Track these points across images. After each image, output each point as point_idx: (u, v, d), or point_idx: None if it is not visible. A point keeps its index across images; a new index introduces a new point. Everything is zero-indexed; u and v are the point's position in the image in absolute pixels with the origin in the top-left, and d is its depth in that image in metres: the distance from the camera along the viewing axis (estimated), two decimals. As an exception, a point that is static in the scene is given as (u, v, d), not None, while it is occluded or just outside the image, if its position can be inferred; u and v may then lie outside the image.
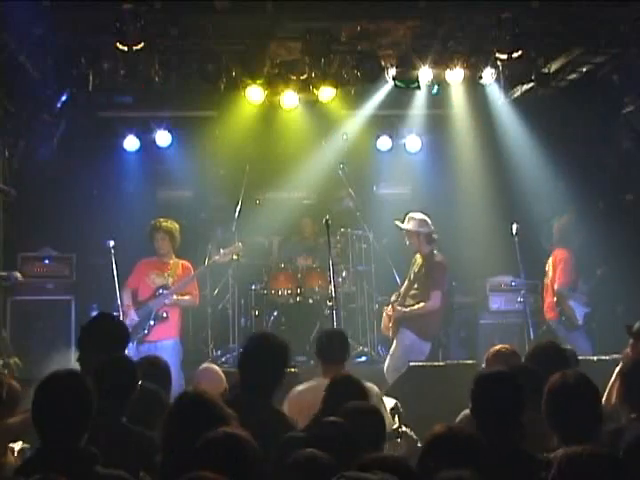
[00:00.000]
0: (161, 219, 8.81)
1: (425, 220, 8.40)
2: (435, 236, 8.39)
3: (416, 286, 8.34)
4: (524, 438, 3.76)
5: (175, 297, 8.63)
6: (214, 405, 3.61)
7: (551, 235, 9.49)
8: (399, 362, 7.98)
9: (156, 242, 8.73)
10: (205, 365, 6.28)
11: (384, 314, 8.59)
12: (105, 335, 4.95)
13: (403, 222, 8.44)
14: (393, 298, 8.56)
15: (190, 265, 8.89)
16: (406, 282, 8.53)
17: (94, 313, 9.60)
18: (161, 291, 8.61)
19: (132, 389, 4.30)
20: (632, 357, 4.21)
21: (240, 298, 10.31)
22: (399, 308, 8.34)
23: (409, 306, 8.27)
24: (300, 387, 5.45)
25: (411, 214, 8.48)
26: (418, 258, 8.44)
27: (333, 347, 5.59)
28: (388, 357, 8.37)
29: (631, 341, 5.30)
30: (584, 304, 9.20)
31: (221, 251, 9.15)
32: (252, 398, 4.45)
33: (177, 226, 8.81)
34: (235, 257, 9.47)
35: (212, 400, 3.65)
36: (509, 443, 3.65)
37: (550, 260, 9.33)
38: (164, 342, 8.46)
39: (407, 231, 8.39)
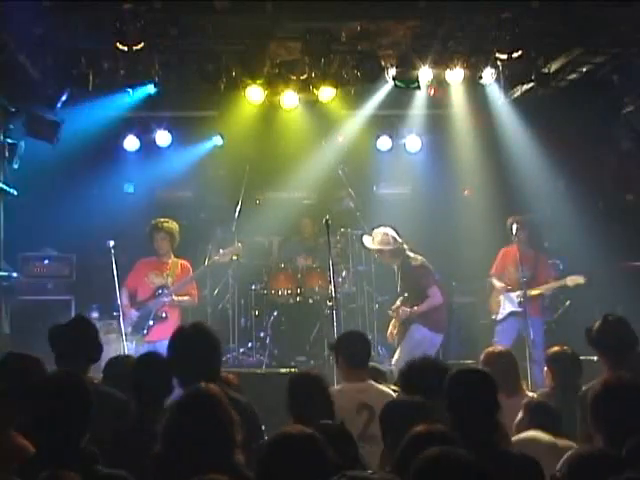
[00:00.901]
0: (161, 219, 8.82)
1: (387, 237, 8.55)
2: (404, 247, 8.56)
3: (406, 295, 8.54)
4: (503, 437, 3.76)
5: (174, 298, 8.63)
6: (217, 403, 3.60)
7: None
8: (410, 355, 8.01)
9: (156, 242, 8.75)
10: None
11: (391, 322, 8.66)
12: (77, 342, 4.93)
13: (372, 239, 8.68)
14: (397, 304, 8.62)
15: (189, 264, 8.90)
16: (399, 290, 8.68)
17: (94, 313, 9.61)
18: (160, 291, 8.63)
19: None
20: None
21: (240, 298, 10.32)
22: (405, 309, 8.40)
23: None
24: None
25: (375, 231, 8.69)
26: (396, 269, 8.64)
27: (357, 347, 5.50)
28: (397, 351, 8.40)
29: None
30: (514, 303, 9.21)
31: (220, 251, 9.17)
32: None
33: (177, 226, 8.83)
34: (234, 257, 9.48)
35: (216, 398, 3.64)
36: (487, 442, 3.65)
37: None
38: (164, 342, 8.38)
39: (373, 251, 8.70)
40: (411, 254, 8.58)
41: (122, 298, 8.58)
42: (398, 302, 8.63)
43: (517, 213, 9.57)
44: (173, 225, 8.81)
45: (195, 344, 4.43)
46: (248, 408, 4.35)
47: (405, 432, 3.38)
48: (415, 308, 8.37)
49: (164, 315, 8.58)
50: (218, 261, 9.16)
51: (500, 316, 9.31)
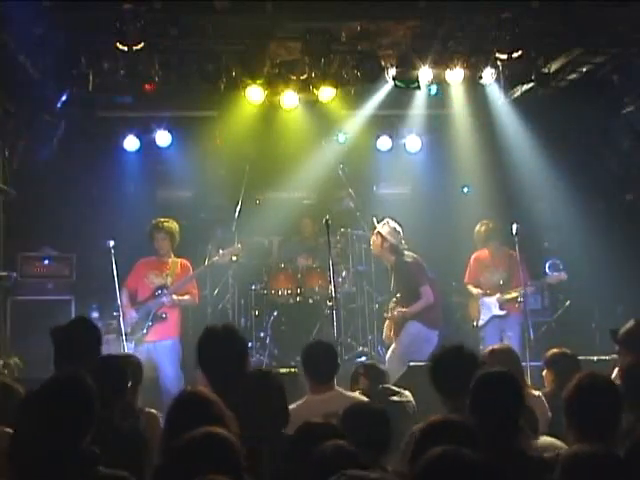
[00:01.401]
0: (162, 219, 8.83)
1: (396, 231, 8.60)
2: (401, 247, 8.60)
3: (399, 295, 8.58)
4: (522, 439, 3.76)
5: (175, 297, 8.64)
6: (211, 404, 3.60)
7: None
8: (405, 350, 8.15)
9: (156, 242, 8.75)
10: None
11: (386, 324, 8.70)
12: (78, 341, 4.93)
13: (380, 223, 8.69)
14: (391, 305, 8.66)
15: (189, 263, 8.90)
16: (392, 289, 8.71)
17: (94, 313, 9.62)
18: (160, 292, 8.62)
19: None
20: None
21: (240, 298, 10.32)
22: (400, 310, 8.45)
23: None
24: (292, 406, 5.40)
25: (388, 220, 8.68)
26: (389, 267, 8.69)
27: (320, 364, 5.39)
28: (392, 347, 8.44)
29: (617, 347, 5.19)
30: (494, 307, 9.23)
31: (220, 252, 9.16)
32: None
33: (177, 226, 8.84)
34: (234, 258, 9.47)
35: (210, 399, 3.65)
36: (508, 443, 3.65)
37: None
38: (163, 342, 8.47)
39: (377, 234, 8.61)
40: (406, 252, 8.60)
41: (122, 298, 8.57)
42: (392, 303, 8.66)
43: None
44: (173, 225, 8.81)
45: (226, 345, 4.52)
46: None
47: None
48: (407, 309, 8.40)
49: (164, 315, 8.58)
50: (218, 261, 9.16)
51: (481, 322, 9.31)
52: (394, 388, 5.84)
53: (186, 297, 8.76)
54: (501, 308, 9.14)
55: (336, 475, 2.76)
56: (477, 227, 9.40)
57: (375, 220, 8.77)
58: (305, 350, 5.55)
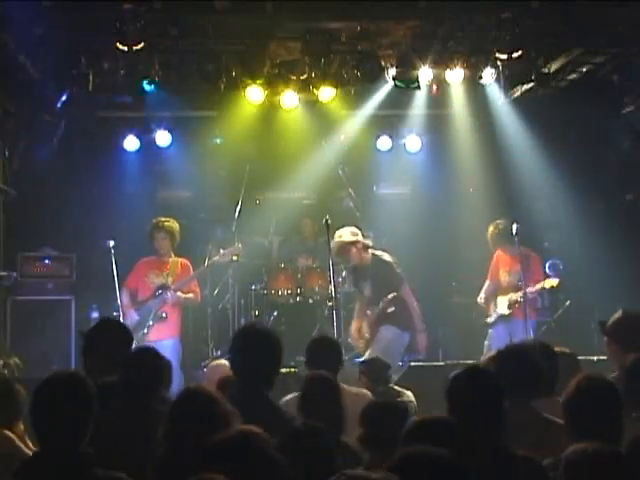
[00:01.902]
0: (162, 218, 8.84)
1: (355, 231, 8.52)
2: (370, 242, 8.54)
3: (369, 295, 8.44)
4: (507, 437, 3.75)
5: (179, 294, 8.65)
6: (215, 402, 3.60)
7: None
8: (382, 355, 7.87)
9: (157, 241, 8.76)
10: (216, 362, 6.25)
11: (354, 326, 8.57)
12: (109, 340, 4.94)
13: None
14: (358, 306, 8.59)
15: (189, 263, 8.91)
16: (366, 293, 8.50)
17: (94, 313, 9.62)
18: (160, 291, 8.62)
19: None
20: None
21: (240, 298, 10.31)
22: (374, 309, 8.32)
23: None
24: (288, 397, 5.39)
25: (338, 232, 8.58)
26: (362, 268, 8.49)
27: (322, 358, 5.32)
28: (367, 353, 8.15)
29: (605, 339, 5.16)
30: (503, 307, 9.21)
31: (221, 251, 9.16)
32: (250, 395, 4.40)
33: (177, 225, 8.85)
34: (234, 258, 9.47)
35: (213, 397, 3.64)
36: (492, 441, 3.64)
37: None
38: (164, 342, 8.45)
39: (344, 245, 8.41)
40: (377, 251, 8.51)
41: (122, 298, 8.59)
42: (359, 304, 8.54)
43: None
44: (174, 224, 8.82)
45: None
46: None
47: None
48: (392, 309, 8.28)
49: (164, 315, 8.58)
50: (218, 261, 9.16)
51: (491, 319, 9.28)
52: (397, 388, 5.85)
53: (190, 295, 8.78)
54: (508, 308, 9.11)
55: (336, 475, 2.75)
56: (490, 228, 9.29)
57: (338, 236, 8.55)
58: (309, 345, 5.56)
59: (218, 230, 10.86)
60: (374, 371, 5.87)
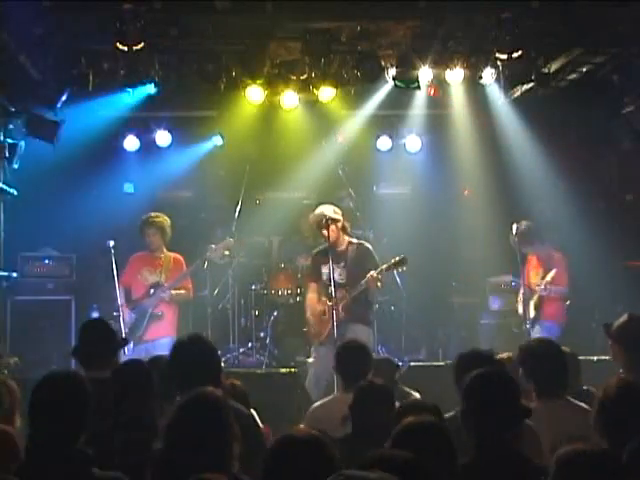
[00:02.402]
0: (152, 214, 8.82)
1: (338, 210, 8.27)
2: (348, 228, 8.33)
3: (345, 282, 8.03)
4: (519, 440, 3.75)
5: (172, 292, 8.65)
6: (222, 407, 3.59)
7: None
8: None
9: (147, 237, 8.74)
10: None
11: (322, 319, 8.08)
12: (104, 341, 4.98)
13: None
14: (341, 294, 8.00)
15: (182, 258, 8.89)
16: (337, 276, 8.01)
17: (94, 313, 9.62)
18: (154, 290, 8.60)
19: None
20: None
21: (240, 298, 10.31)
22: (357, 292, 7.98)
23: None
24: (318, 403, 5.40)
25: (320, 207, 8.29)
26: (337, 249, 8.09)
27: (354, 363, 5.33)
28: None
29: (610, 342, 5.17)
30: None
31: (212, 246, 9.03)
32: None
33: (168, 220, 8.82)
34: (227, 252, 9.33)
35: (221, 403, 3.63)
36: (504, 444, 3.64)
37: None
38: (161, 340, 8.44)
39: (325, 219, 8.00)
40: (353, 239, 8.29)
41: (119, 298, 8.60)
42: (342, 291, 7.98)
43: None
44: (164, 220, 8.79)
45: (192, 353, 4.48)
46: (250, 421, 4.37)
47: None
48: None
49: (160, 313, 8.58)
50: (211, 257, 9.05)
51: (528, 324, 9.15)
52: (405, 389, 5.84)
53: (182, 291, 8.78)
54: (534, 309, 9.03)
55: (334, 475, 2.75)
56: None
57: (324, 210, 8.18)
58: (339, 348, 5.62)
59: (218, 230, 10.85)
60: (383, 372, 5.85)
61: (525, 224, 8.97)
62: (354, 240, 8.30)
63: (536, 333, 8.71)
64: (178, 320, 8.91)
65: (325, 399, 5.37)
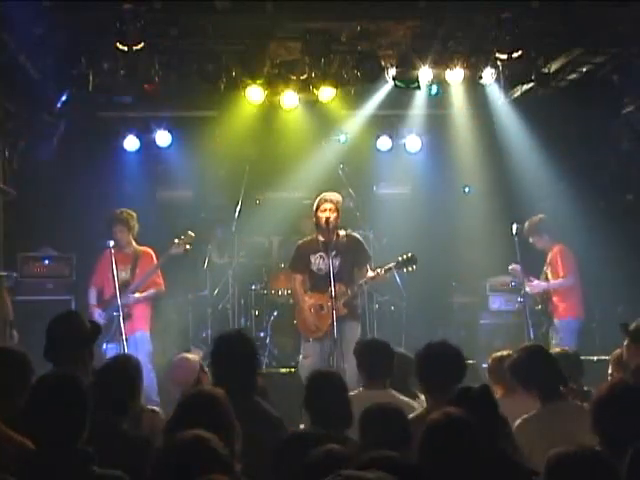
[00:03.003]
0: (118, 210, 8.74)
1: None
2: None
3: (341, 275, 7.90)
4: (510, 444, 3.76)
5: (137, 296, 8.54)
6: (220, 405, 3.60)
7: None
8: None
9: (115, 235, 8.63)
10: (181, 355, 6.26)
11: (321, 314, 7.97)
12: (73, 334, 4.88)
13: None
14: (341, 290, 7.90)
15: (152, 252, 8.75)
16: (333, 266, 7.84)
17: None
18: (122, 291, 8.37)
19: None
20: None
21: (240, 298, 10.31)
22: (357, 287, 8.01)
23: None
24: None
25: (328, 194, 8.25)
26: (334, 241, 8.00)
27: (377, 362, 5.41)
28: (346, 365, 7.18)
29: (626, 341, 5.20)
30: None
31: (175, 241, 8.75)
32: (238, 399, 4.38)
33: (134, 215, 8.73)
34: (188, 247, 8.86)
35: (220, 400, 3.63)
36: (495, 448, 3.64)
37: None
38: (133, 336, 8.36)
39: (337, 204, 8.06)
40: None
41: (90, 298, 8.57)
42: (341, 287, 7.86)
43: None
44: (128, 215, 8.70)
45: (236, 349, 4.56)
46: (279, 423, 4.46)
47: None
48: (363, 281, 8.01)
49: (130, 313, 8.45)
50: (174, 252, 8.69)
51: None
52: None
53: (150, 291, 8.66)
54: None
55: (332, 475, 2.76)
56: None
57: (330, 195, 8.22)
58: (361, 344, 5.74)
59: (218, 230, 10.86)
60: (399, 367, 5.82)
61: (537, 217, 9.11)
62: (342, 232, 8.21)
63: (554, 333, 8.83)
64: (152, 313, 8.81)
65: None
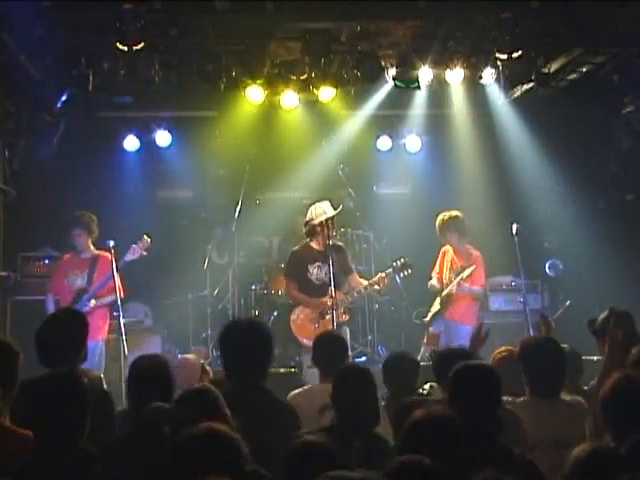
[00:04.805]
0: (77, 213, 8.50)
1: (330, 206, 8.35)
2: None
3: (333, 281, 7.98)
4: (500, 431, 3.77)
5: (93, 303, 8.20)
6: (215, 401, 3.60)
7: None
8: None
9: (72, 239, 8.43)
10: (182, 356, 6.26)
11: (326, 317, 8.07)
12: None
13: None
14: (341, 296, 8.12)
15: (110, 256, 8.15)
16: (324, 275, 8.07)
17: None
18: (78, 298, 8.22)
19: None
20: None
21: (240, 298, 10.31)
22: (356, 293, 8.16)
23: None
24: (295, 391, 5.38)
25: (320, 204, 8.36)
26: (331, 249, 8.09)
27: (332, 356, 5.34)
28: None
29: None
30: None
31: (133, 246, 8.45)
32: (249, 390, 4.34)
33: (94, 218, 8.47)
34: (144, 253, 8.56)
35: (215, 399, 3.64)
36: (485, 436, 3.65)
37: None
38: (91, 342, 8.15)
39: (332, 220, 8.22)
40: None
41: (48, 306, 8.23)
42: (341, 294, 8.08)
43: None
44: (89, 217, 8.43)
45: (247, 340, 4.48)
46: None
47: None
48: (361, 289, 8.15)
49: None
50: (130, 258, 8.37)
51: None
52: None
53: (108, 298, 8.20)
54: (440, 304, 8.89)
55: (320, 477, 2.76)
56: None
57: (325, 207, 8.35)
58: (316, 339, 5.64)
59: (218, 230, 10.86)
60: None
61: (455, 213, 8.84)
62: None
63: (436, 330, 8.73)
64: (109, 321, 8.39)
65: (301, 389, 5.35)
